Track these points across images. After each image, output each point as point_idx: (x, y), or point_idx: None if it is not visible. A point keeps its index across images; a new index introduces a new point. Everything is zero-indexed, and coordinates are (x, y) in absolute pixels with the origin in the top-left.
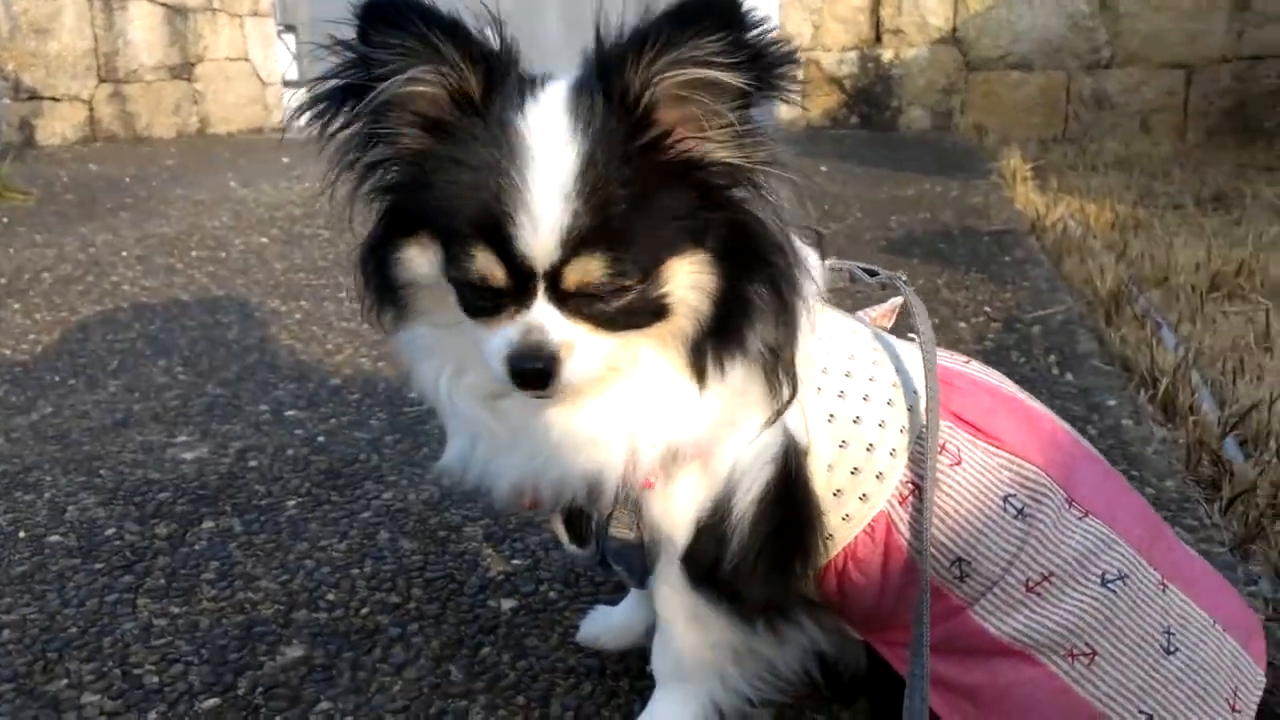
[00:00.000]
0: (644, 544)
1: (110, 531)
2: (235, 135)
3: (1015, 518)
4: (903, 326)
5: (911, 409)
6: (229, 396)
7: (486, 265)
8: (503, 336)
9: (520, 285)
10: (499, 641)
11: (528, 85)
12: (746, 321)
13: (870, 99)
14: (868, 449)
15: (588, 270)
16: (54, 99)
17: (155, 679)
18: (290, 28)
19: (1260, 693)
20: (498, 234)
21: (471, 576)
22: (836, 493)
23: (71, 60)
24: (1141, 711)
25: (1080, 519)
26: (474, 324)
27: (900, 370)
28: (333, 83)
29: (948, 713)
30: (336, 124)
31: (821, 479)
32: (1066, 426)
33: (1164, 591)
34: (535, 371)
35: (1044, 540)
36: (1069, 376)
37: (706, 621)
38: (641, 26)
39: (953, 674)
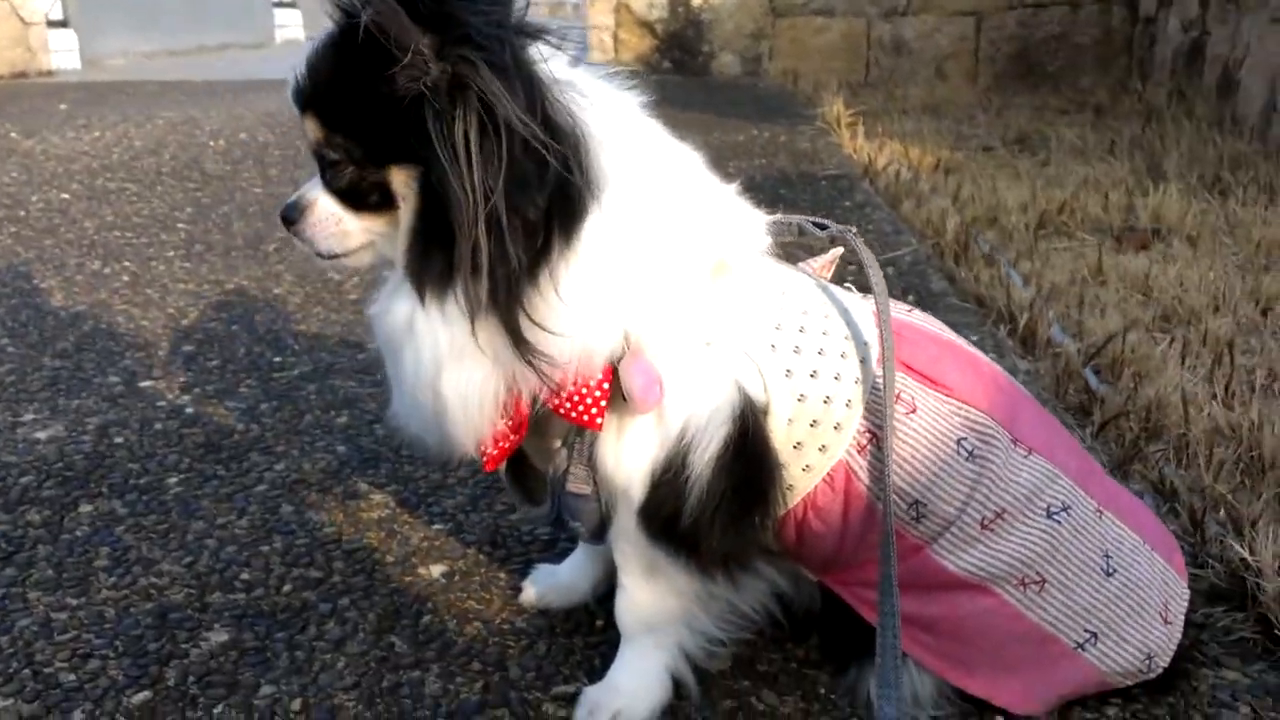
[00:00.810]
0: (600, 499)
1: None
2: None
3: (968, 460)
4: (839, 276)
5: (864, 360)
6: (71, 369)
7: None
8: None
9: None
10: (439, 608)
11: None
12: (445, 251)
13: (682, 44)
14: (825, 401)
15: (310, 129)
16: None
17: (72, 676)
18: None
19: (1186, 604)
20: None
21: (392, 544)
22: (796, 445)
23: None
24: (1087, 630)
25: (1025, 457)
26: None
27: (850, 323)
28: None
29: (908, 644)
30: None
31: (781, 433)
32: (1000, 369)
33: (1100, 518)
34: (283, 215)
35: (995, 479)
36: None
37: (666, 573)
38: None
39: (912, 609)
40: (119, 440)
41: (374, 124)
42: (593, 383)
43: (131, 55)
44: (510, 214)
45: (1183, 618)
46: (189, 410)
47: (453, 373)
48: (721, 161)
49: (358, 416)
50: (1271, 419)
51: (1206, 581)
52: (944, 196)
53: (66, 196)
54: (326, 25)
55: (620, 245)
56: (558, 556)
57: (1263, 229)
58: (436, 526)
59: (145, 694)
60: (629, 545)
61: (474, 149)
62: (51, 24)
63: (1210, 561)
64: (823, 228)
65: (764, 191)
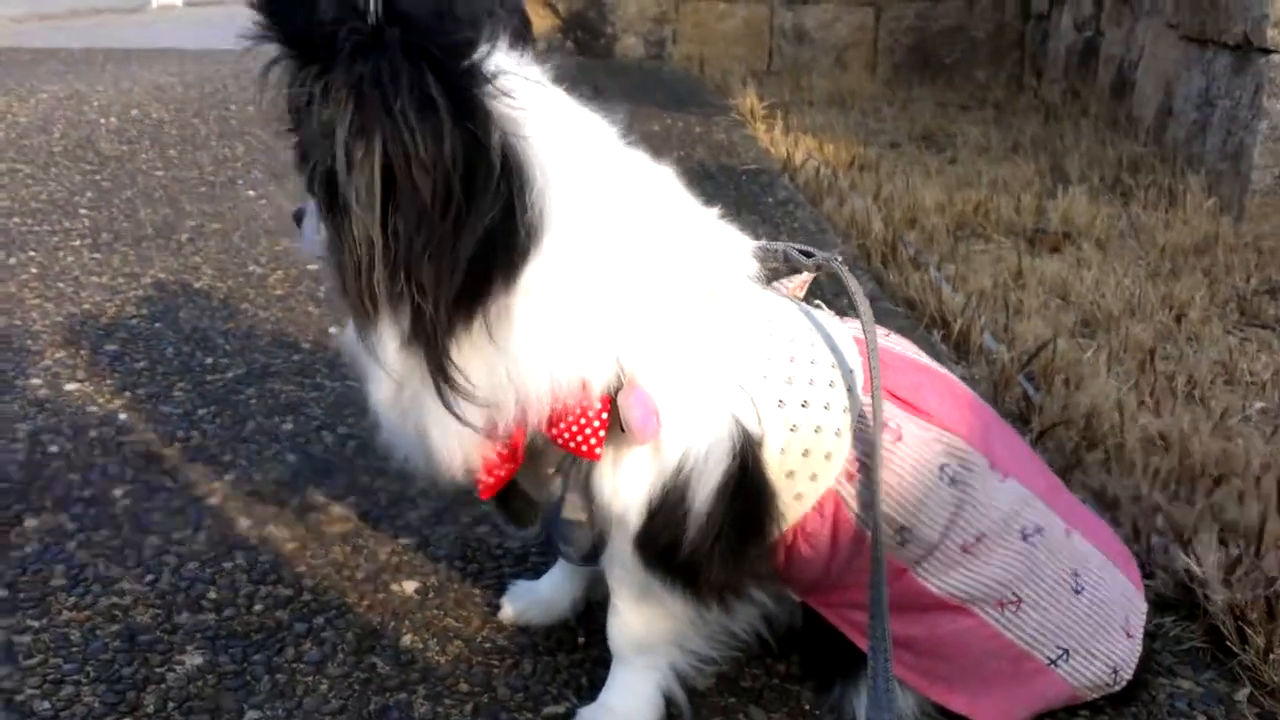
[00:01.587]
0: (594, 526)
1: None
2: None
3: (950, 486)
4: (810, 297)
5: (850, 389)
6: None
7: None
8: None
9: None
10: (417, 627)
11: None
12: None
13: (585, 24)
14: (815, 431)
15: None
16: None
17: (46, 705)
18: None
19: (1144, 616)
20: None
21: (360, 560)
22: (789, 474)
23: None
24: (1059, 647)
25: (1002, 481)
26: None
27: (835, 349)
28: None
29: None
30: None
31: (774, 463)
32: (970, 391)
33: (1069, 537)
34: (294, 213)
35: (976, 505)
36: None
37: (660, 598)
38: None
39: (896, 629)
40: (54, 449)
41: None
42: (591, 413)
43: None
44: (421, 259)
45: (1142, 630)
46: (122, 417)
47: (423, 404)
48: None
49: (304, 423)
50: (1199, 427)
51: (1154, 591)
52: (863, 195)
53: None
54: None
55: (583, 282)
56: (529, 571)
57: (1165, 233)
58: (403, 540)
59: None
60: (623, 571)
61: (371, 197)
62: None
63: (1157, 571)
64: (809, 255)
65: (688, 186)
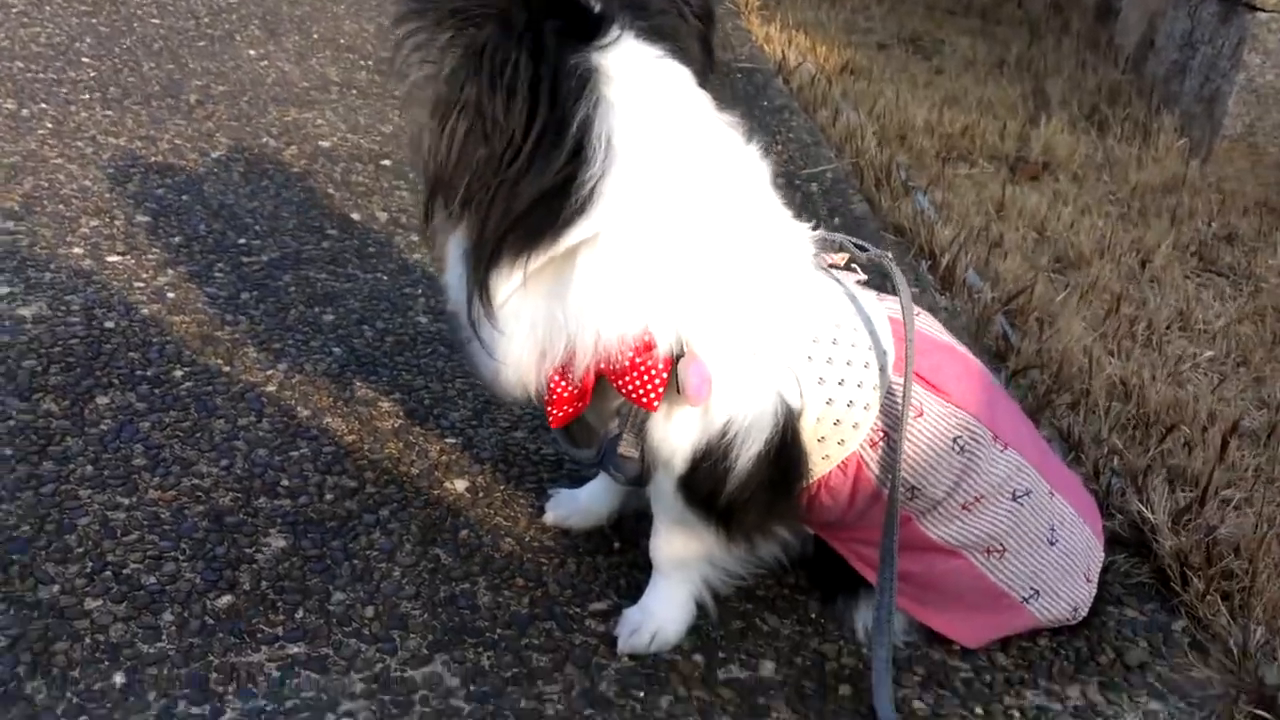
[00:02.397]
0: (644, 462)
1: None
2: None
3: (959, 454)
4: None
5: (882, 369)
6: (28, 234)
7: None
8: None
9: None
10: (472, 523)
11: None
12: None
13: None
14: (848, 405)
15: None
16: None
17: (152, 579)
18: None
19: (1100, 564)
20: None
21: (412, 456)
22: (820, 439)
23: None
24: (1033, 588)
25: (1002, 451)
26: None
27: (872, 333)
28: None
29: None
30: None
31: (809, 429)
32: (980, 366)
33: (1051, 498)
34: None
35: (978, 472)
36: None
37: (697, 529)
38: None
39: (897, 564)
40: (110, 325)
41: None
42: (654, 372)
43: None
44: (482, 194)
45: (1098, 575)
46: (170, 295)
47: (493, 331)
48: None
49: (343, 316)
50: (1155, 374)
51: (1110, 530)
52: (856, 109)
53: None
54: None
55: (639, 254)
56: (565, 478)
57: (1138, 171)
58: (449, 440)
59: (228, 598)
60: (665, 503)
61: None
62: None
63: (1114, 513)
64: (863, 249)
65: None
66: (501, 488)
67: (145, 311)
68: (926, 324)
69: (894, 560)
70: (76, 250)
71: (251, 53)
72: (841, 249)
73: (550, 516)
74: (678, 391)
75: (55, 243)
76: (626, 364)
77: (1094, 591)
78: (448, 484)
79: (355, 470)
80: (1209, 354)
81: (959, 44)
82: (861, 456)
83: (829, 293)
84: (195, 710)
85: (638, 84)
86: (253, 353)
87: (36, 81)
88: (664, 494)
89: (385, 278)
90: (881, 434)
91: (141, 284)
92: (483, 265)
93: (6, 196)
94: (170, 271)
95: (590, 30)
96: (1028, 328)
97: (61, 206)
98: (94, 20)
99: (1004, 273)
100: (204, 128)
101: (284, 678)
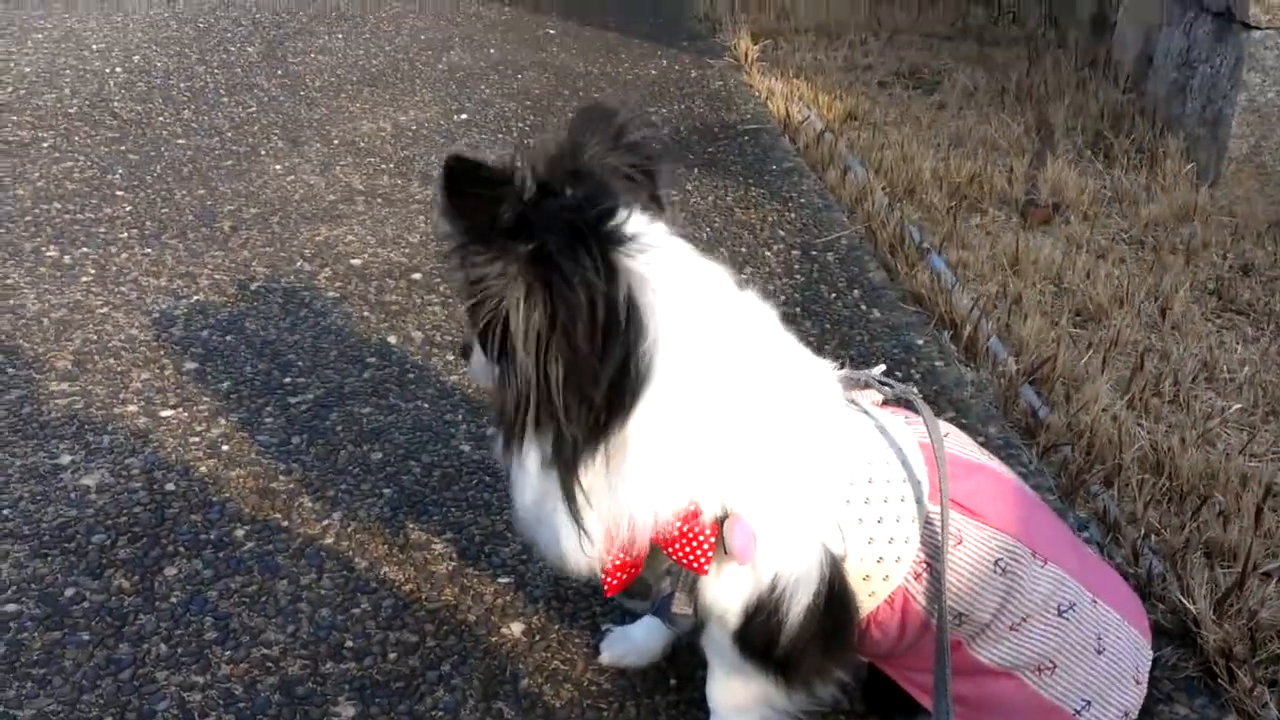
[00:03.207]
0: (698, 617)
1: (70, 592)
2: None
3: (1001, 576)
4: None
5: (919, 500)
6: (82, 395)
7: None
8: None
9: None
10: (531, 671)
11: None
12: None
13: None
14: (889, 541)
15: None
16: None
17: None
18: None
19: (1149, 663)
20: None
21: (468, 601)
22: (865, 577)
23: None
24: (1083, 699)
25: (1043, 567)
26: None
27: (905, 463)
28: None
29: None
30: None
31: (854, 570)
32: (1017, 480)
33: (1094, 605)
34: (461, 349)
35: (1022, 591)
36: (876, 313)
37: (753, 678)
38: None
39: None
40: (170, 488)
41: (464, 292)
42: (701, 537)
43: None
44: (568, 396)
45: (1147, 675)
46: (224, 448)
47: (558, 516)
48: (642, 107)
49: (390, 452)
50: (1184, 436)
51: (1154, 620)
52: (864, 163)
53: None
54: None
55: (686, 424)
56: (615, 613)
57: (1148, 204)
58: (502, 580)
59: None
60: (721, 653)
61: (534, 346)
62: None
63: (1155, 602)
64: (889, 386)
65: (693, 151)
66: (557, 627)
67: (203, 469)
68: (957, 444)
69: (947, 689)
70: (131, 408)
71: (277, 167)
72: (868, 386)
73: (606, 657)
74: (724, 551)
75: (110, 402)
76: (675, 532)
77: (1144, 692)
78: (504, 629)
79: (415, 624)
80: (1236, 406)
81: (958, 75)
82: (907, 589)
83: (859, 430)
84: None
85: (660, 253)
86: (308, 502)
87: (76, 223)
88: (720, 646)
89: (426, 405)
90: (924, 565)
91: (196, 439)
92: (574, 463)
93: (59, 355)
94: (222, 421)
95: (598, 215)
96: (1054, 398)
97: (112, 361)
98: (122, 148)
99: (1026, 338)
100: (240, 257)
101: None
